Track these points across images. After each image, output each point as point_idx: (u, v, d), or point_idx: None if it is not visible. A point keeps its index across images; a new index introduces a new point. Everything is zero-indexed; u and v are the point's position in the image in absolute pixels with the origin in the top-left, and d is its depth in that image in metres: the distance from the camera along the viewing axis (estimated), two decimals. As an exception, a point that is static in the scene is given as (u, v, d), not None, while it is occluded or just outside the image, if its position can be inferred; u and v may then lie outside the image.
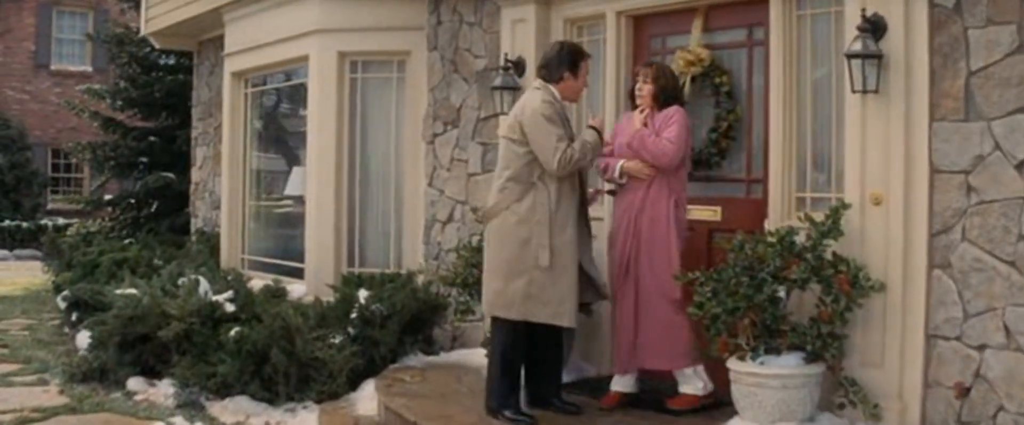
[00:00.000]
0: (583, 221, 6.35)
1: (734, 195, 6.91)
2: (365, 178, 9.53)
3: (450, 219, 8.64)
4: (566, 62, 6.30)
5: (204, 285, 8.75)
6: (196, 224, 13.44)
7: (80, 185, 27.48)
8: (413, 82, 9.21)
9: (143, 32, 13.56)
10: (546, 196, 6.08)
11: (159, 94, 15.68)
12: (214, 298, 8.44)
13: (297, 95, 10.49)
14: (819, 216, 5.79)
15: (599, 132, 6.29)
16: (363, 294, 7.89)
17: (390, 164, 9.45)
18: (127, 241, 14.15)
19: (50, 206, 26.39)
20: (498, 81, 7.76)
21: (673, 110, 6.30)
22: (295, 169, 10.49)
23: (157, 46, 13.86)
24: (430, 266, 8.72)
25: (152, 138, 15.99)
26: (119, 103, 16.29)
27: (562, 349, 6.49)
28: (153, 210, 15.78)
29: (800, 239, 5.75)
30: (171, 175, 15.24)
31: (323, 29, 9.42)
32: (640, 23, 7.44)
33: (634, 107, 6.52)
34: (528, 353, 6.31)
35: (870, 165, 5.82)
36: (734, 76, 6.85)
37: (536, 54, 7.56)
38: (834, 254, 5.71)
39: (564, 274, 6.10)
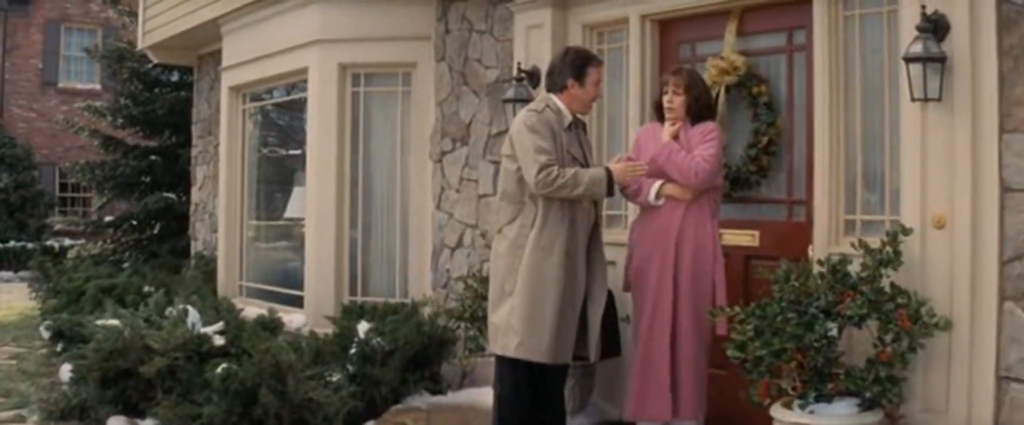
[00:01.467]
0: (594, 258, 5.65)
1: (774, 218, 6.26)
2: (368, 200, 8.91)
3: (459, 244, 7.98)
4: (570, 68, 5.63)
5: (193, 316, 8.11)
6: (196, 247, 12.87)
7: (88, 205, 26.96)
8: (420, 96, 8.61)
9: (140, 46, 13.11)
10: (532, 215, 5.44)
11: (161, 111, 15.19)
12: (203, 330, 7.82)
13: (298, 110, 9.86)
14: (874, 242, 5.14)
15: (610, 175, 5.50)
16: (363, 327, 7.22)
17: (395, 184, 8.85)
18: (125, 265, 13.83)
19: (58, 227, 25.90)
20: (510, 93, 7.12)
21: (711, 127, 5.66)
22: (296, 190, 9.86)
23: (155, 60, 13.33)
24: (438, 295, 8.06)
25: (153, 157, 15.53)
26: (120, 121, 15.82)
27: (562, 401, 5.78)
28: (156, 232, 15.29)
29: (854, 269, 5.09)
30: (173, 196, 14.83)
31: (323, 39, 8.84)
32: (667, 28, 6.78)
33: (661, 120, 5.82)
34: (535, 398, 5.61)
35: (931, 183, 5.19)
36: (773, 85, 6.22)
37: None
38: (892, 285, 5.06)
39: (541, 302, 5.39)
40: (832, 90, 5.72)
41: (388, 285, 8.76)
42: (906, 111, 5.29)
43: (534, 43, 7.26)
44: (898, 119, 5.41)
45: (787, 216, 6.18)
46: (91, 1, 26.53)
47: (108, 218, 16.31)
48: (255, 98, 10.60)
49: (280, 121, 10.80)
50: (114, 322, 8.07)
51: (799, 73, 6.09)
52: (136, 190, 15.69)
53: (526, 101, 6.67)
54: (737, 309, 5.13)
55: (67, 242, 22.93)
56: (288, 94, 10.17)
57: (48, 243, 23.26)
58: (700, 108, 5.70)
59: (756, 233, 6.22)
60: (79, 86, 27.27)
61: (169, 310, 8.41)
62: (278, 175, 10.66)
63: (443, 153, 8.22)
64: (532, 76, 7.16)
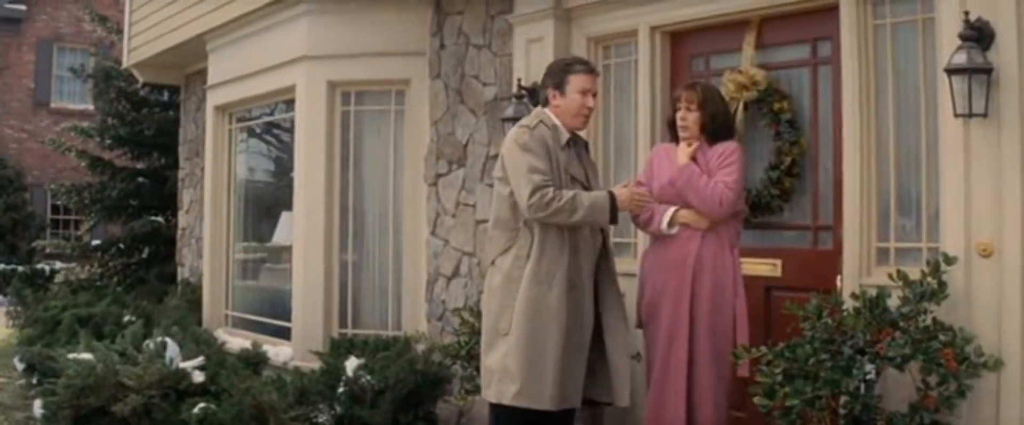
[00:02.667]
0: (605, 288, 5.14)
1: (797, 245, 5.78)
2: (359, 225, 8.37)
3: (456, 273, 7.48)
4: (550, 77, 5.17)
5: (172, 349, 7.62)
6: (182, 274, 12.35)
7: (80, 228, 26.50)
8: (413, 115, 8.10)
9: (125, 64, 12.58)
10: (528, 244, 4.93)
11: (149, 132, 14.68)
12: (181, 365, 7.33)
13: (287, 131, 9.36)
14: (913, 273, 4.65)
15: (614, 199, 4.99)
16: (352, 364, 6.69)
17: (387, 209, 8.30)
18: (112, 291, 13.26)
19: (48, 250, 25.42)
20: (510, 111, 6.62)
21: (732, 148, 5.14)
22: (284, 215, 9.33)
23: (141, 79, 12.82)
24: (433, 328, 7.54)
25: (141, 179, 14.99)
26: (107, 142, 15.29)
27: None
28: (145, 257, 14.77)
29: (891, 302, 4.61)
30: (160, 219, 14.24)
31: (311, 56, 8.31)
32: (679, 41, 6.30)
33: (675, 140, 5.31)
34: None
35: (976, 207, 4.74)
36: (796, 101, 5.76)
37: None
38: (935, 321, 4.54)
39: (541, 342, 4.85)
40: (862, 106, 5.25)
41: (380, 317, 8.22)
42: (947, 128, 4.83)
43: (535, 58, 6.77)
44: (936, 137, 4.95)
45: (812, 243, 5.70)
46: (84, 20, 26.15)
47: (95, 242, 15.81)
48: (242, 118, 10.10)
49: (268, 142, 10.29)
50: (87, 356, 7.60)
51: (824, 87, 5.62)
52: (124, 213, 15.14)
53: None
54: (763, 349, 4.61)
55: (58, 265, 22.40)
56: (276, 113, 9.65)
57: (39, 266, 22.81)
58: (717, 126, 5.19)
59: (778, 262, 5.73)
60: (71, 106, 26.76)
61: (147, 343, 7.92)
62: (266, 199, 10.15)
63: (438, 176, 7.73)
64: (533, 93, 6.68)
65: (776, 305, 5.64)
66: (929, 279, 4.57)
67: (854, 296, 4.67)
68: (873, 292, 4.66)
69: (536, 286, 4.87)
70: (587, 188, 5.04)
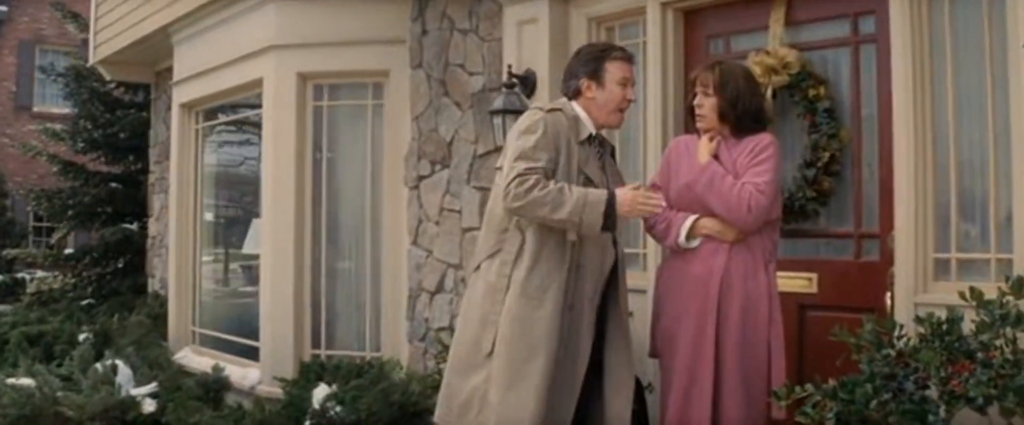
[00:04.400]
0: (612, 315, 4.29)
1: (837, 257, 4.95)
2: (334, 234, 7.52)
3: (440, 288, 6.63)
4: (584, 66, 4.33)
5: (123, 374, 6.95)
6: (152, 285, 11.53)
7: (69, 234, 25.78)
8: (393, 109, 7.27)
9: (91, 61, 11.80)
10: (516, 248, 4.12)
11: (124, 135, 13.84)
12: (132, 392, 6.58)
13: (257, 129, 8.49)
14: (987, 290, 3.78)
15: (612, 199, 4.06)
16: (321, 394, 5.92)
17: (365, 216, 7.44)
18: (85, 302, 12.72)
19: (32, 259, 24.71)
20: (499, 103, 5.79)
21: (765, 142, 4.24)
22: (255, 222, 8.47)
23: (108, 77, 12.09)
24: (415, 350, 6.69)
25: (114, 184, 14.17)
26: (80, 145, 14.49)
27: None
28: (120, 266, 14.00)
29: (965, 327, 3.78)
30: (132, 227, 13.46)
31: (279, 45, 7.47)
32: (694, 19, 5.46)
33: (697, 132, 4.45)
34: None
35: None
36: (834, 87, 4.90)
37: (550, 65, 5.74)
38: (1016, 350, 3.67)
39: (525, 368, 4.02)
40: (916, 91, 4.44)
41: (357, 336, 7.36)
42: (1020, 116, 4.07)
43: (528, 42, 5.96)
44: (1008, 128, 4.18)
45: (854, 254, 4.86)
46: (71, 22, 25.51)
47: (68, 250, 15.04)
48: (210, 116, 9.27)
49: (238, 142, 9.44)
50: (27, 381, 6.81)
51: (868, 70, 4.80)
52: (97, 220, 14.38)
53: (518, 112, 5.31)
54: (809, 388, 3.75)
55: (40, 274, 21.70)
56: (245, 110, 8.81)
57: (19, 275, 22.12)
58: (740, 113, 4.27)
59: (813, 276, 4.92)
60: (55, 110, 25.95)
61: (97, 366, 7.14)
62: (236, 204, 9.32)
63: (420, 178, 6.88)
64: (526, 82, 5.86)
65: (811, 327, 4.89)
66: (1009, 298, 3.71)
67: (920, 320, 3.81)
68: (940, 314, 3.81)
69: (523, 300, 4.05)
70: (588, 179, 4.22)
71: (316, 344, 7.33)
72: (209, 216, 9.36)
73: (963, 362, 3.62)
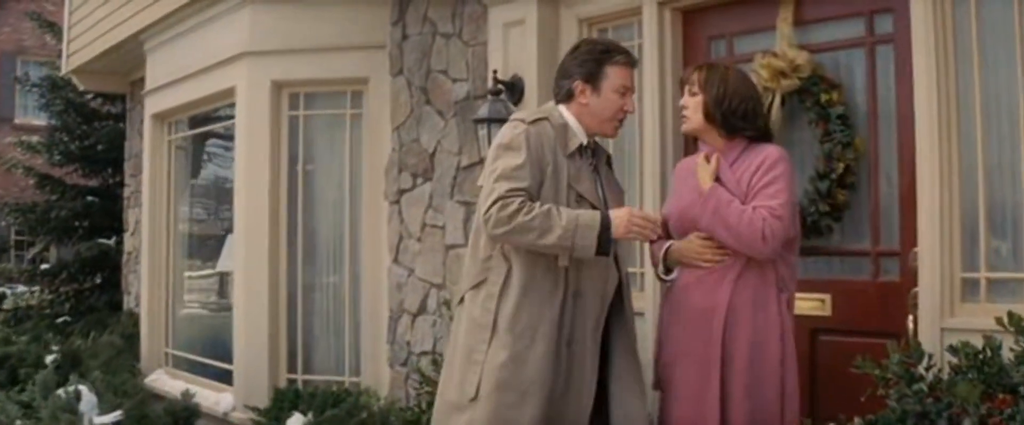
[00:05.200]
0: (619, 353, 3.83)
1: (853, 276, 4.55)
2: (311, 251, 7.12)
3: (422, 310, 6.24)
4: (579, 67, 3.82)
5: (87, 401, 6.54)
6: (128, 303, 11.11)
7: (47, 250, 25.39)
8: (372, 120, 6.88)
9: (64, 70, 11.45)
10: (501, 279, 3.65)
11: (102, 147, 13.58)
12: (95, 421, 6.18)
13: (233, 141, 8.08)
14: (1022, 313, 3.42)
15: (606, 221, 3.59)
16: (295, 423, 5.43)
17: (343, 232, 7.03)
18: (61, 319, 12.46)
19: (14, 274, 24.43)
20: (483, 111, 5.40)
21: (775, 156, 3.75)
22: (229, 238, 8.05)
23: (82, 87, 11.74)
24: (397, 375, 6.29)
25: (91, 198, 13.84)
26: (57, 157, 14.19)
27: None
28: (98, 282, 13.63)
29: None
30: (110, 242, 13.09)
31: (253, 51, 7.08)
32: (693, 19, 5.09)
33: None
34: None
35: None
36: (848, 92, 4.50)
37: (538, 70, 5.37)
38: (1059, 384, 3.29)
39: (515, 412, 3.58)
40: (940, 95, 4.06)
41: (336, 360, 6.95)
42: None
43: (515, 45, 5.59)
44: None
45: (872, 273, 4.47)
46: (47, 32, 25.20)
47: (45, 266, 14.64)
48: (183, 127, 8.87)
49: (213, 154, 9.05)
50: (-18, 409, 6.40)
51: (885, 73, 4.42)
52: (74, 235, 14.04)
53: (504, 121, 4.88)
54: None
55: (21, 289, 21.35)
56: (218, 121, 8.41)
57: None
58: (726, 112, 3.78)
59: (827, 298, 4.53)
60: (36, 122, 25.62)
61: (60, 391, 6.72)
62: (212, 219, 8.92)
63: (401, 192, 6.49)
64: (512, 89, 5.47)
65: (824, 353, 4.51)
66: (1052, 324, 3.33)
67: (954, 350, 3.41)
68: (974, 341, 3.42)
69: (510, 339, 3.59)
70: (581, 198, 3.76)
71: (292, 368, 6.92)
72: (183, 231, 8.95)
73: (1003, 396, 3.22)
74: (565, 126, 3.77)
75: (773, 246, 3.61)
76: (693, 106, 3.84)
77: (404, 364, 6.34)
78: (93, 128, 13.75)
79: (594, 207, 3.68)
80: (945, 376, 3.46)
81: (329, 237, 7.11)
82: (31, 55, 26.17)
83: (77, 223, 13.79)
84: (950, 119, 4.02)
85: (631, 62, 3.89)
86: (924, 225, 4.04)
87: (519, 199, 3.53)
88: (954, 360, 3.42)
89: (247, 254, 7.02)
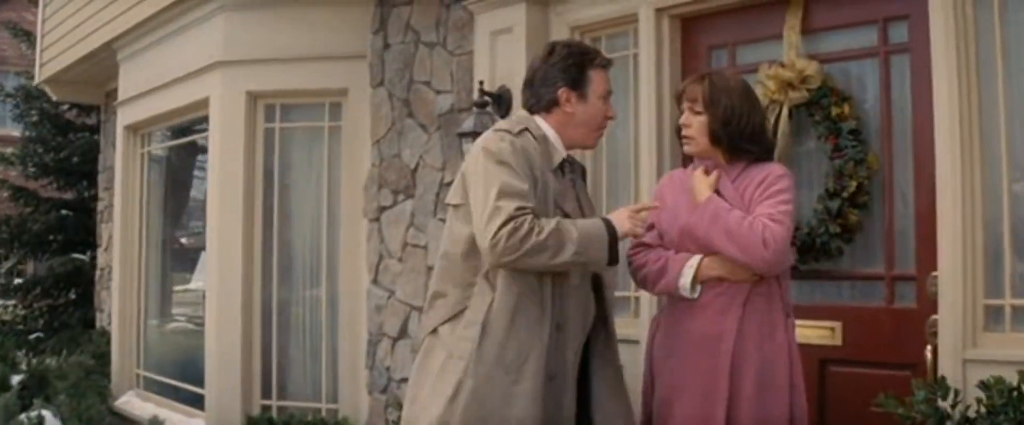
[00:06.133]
0: (601, 381, 3.48)
1: (866, 302, 4.23)
2: (286, 270, 6.78)
3: (403, 334, 5.92)
4: (563, 73, 3.46)
5: None
6: (101, 320, 10.78)
7: (23, 264, 25.04)
8: (352, 133, 6.56)
9: (37, 80, 11.15)
10: (485, 309, 3.29)
11: (77, 159, 13.23)
12: None
13: (206, 153, 7.76)
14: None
15: (611, 229, 3.32)
16: (267, 456, 5.12)
17: (321, 250, 6.70)
18: (33, 336, 12.31)
19: (-8, 288, 24.06)
20: (469, 124, 5.10)
21: (776, 173, 3.45)
22: (203, 255, 7.71)
23: (55, 97, 11.49)
24: (376, 403, 5.96)
25: (65, 212, 13.50)
26: (31, 170, 13.85)
27: None
28: (73, 298, 13.32)
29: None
30: (84, 257, 12.78)
31: (227, 61, 6.76)
32: (693, 27, 4.79)
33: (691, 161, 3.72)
34: None
35: None
36: (860, 105, 4.20)
37: None
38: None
39: None
40: (962, 109, 3.77)
41: (312, 386, 6.60)
42: None
43: (503, 54, 5.28)
44: None
45: (886, 299, 4.15)
46: (23, 41, 24.91)
47: (18, 281, 14.31)
48: (156, 139, 8.55)
49: (188, 167, 8.71)
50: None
51: (900, 84, 4.12)
52: (48, 249, 13.71)
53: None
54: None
55: None
56: (193, 133, 8.09)
57: (-26, 306, 21.43)
58: (734, 134, 3.47)
59: (837, 326, 4.22)
60: (15, 134, 25.27)
61: (23, 417, 6.41)
62: (186, 235, 8.59)
63: (381, 209, 6.16)
64: (499, 100, 5.16)
65: (834, 385, 4.22)
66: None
67: (986, 387, 3.10)
68: (1008, 376, 3.12)
69: (498, 373, 3.23)
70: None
71: (266, 394, 6.57)
72: (157, 247, 8.60)
73: (1042, 443, 2.93)
74: (546, 138, 3.44)
75: (776, 252, 3.28)
76: (697, 128, 3.50)
77: (383, 391, 6.01)
78: (68, 140, 13.44)
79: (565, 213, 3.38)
80: (973, 414, 3.17)
81: (306, 256, 6.78)
82: (11, 65, 25.77)
83: (51, 237, 13.45)
84: (972, 133, 3.73)
85: (609, 65, 3.59)
86: (944, 247, 3.74)
87: (529, 217, 3.18)
88: (984, 396, 3.12)
89: (220, 273, 6.68)
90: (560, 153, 3.45)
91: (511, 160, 3.25)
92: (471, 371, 3.24)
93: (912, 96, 4.01)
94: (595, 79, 3.47)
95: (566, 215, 3.35)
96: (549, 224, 3.20)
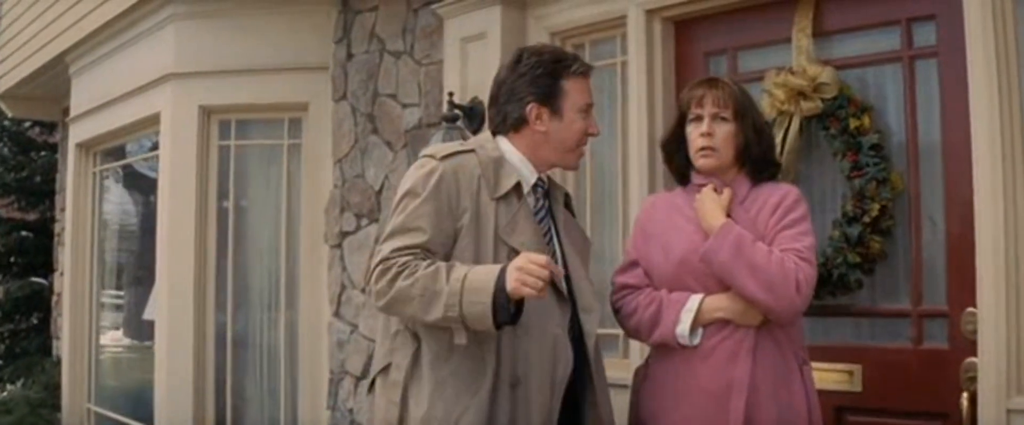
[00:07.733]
0: None
1: (889, 342, 3.74)
2: (242, 301, 6.26)
3: (367, 372, 5.38)
4: (531, 86, 2.92)
5: None
6: (57, 349, 10.20)
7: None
8: (313, 150, 6.07)
9: (-10, 95, 10.56)
10: (409, 355, 2.81)
11: (39, 178, 12.77)
12: None
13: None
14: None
15: (500, 279, 2.65)
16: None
17: (279, 279, 6.19)
18: None
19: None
20: (438, 141, 4.54)
21: (793, 196, 2.96)
22: (158, 283, 7.20)
23: (10, 114, 11.14)
24: (338, 447, 5.43)
25: (25, 233, 13.02)
26: (-9, 190, 13.48)
27: None
28: (34, 323, 12.86)
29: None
30: (43, 281, 12.28)
31: (178, 73, 6.27)
32: (687, 31, 4.29)
33: (683, 181, 3.18)
34: None
35: None
36: (881, 117, 3.71)
37: None
38: None
39: None
40: (1003, 119, 3.28)
41: (270, 427, 6.09)
42: None
43: (475, 63, 4.78)
44: None
45: (913, 339, 3.66)
46: (-6, 57, 24.58)
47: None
48: (110, 156, 8.04)
49: (144, 188, 8.20)
50: None
51: (926, 93, 3.64)
52: (8, 272, 13.22)
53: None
54: None
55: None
56: (146, 151, 7.59)
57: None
58: (766, 148, 3.04)
59: (856, 369, 3.74)
60: (-15, 152, 24.83)
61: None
62: (141, 261, 8.04)
63: (343, 234, 5.65)
64: (471, 114, 4.66)
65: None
66: None
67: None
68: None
69: None
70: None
71: (221, 433, 6.06)
72: (110, 274, 8.09)
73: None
74: (499, 161, 2.89)
75: (806, 298, 2.83)
76: (723, 137, 2.99)
77: (347, 434, 5.50)
78: (29, 159, 13.03)
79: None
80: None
81: (263, 285, 6.26)
82: (-20, 82, 25.32)
83: (12, 259, 12.95)
84: (1015, 148, 3.24)
85: (589, 71, 3.03)
86: (985, 280, 3.25)
87: (402, 260, 2.68)
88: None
89: (170, 302, 6.16)
90: (515, 174, 2.89)
91: (424, 192, 2.76)
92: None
93: (942, 106, 3.52)
94: (571, 90, 2.93)
95: (514, 251, 2.77)
96: (429, 269, 2.67)
